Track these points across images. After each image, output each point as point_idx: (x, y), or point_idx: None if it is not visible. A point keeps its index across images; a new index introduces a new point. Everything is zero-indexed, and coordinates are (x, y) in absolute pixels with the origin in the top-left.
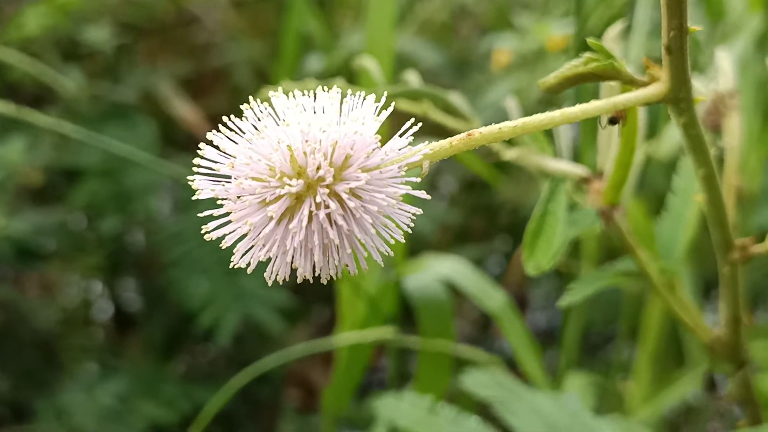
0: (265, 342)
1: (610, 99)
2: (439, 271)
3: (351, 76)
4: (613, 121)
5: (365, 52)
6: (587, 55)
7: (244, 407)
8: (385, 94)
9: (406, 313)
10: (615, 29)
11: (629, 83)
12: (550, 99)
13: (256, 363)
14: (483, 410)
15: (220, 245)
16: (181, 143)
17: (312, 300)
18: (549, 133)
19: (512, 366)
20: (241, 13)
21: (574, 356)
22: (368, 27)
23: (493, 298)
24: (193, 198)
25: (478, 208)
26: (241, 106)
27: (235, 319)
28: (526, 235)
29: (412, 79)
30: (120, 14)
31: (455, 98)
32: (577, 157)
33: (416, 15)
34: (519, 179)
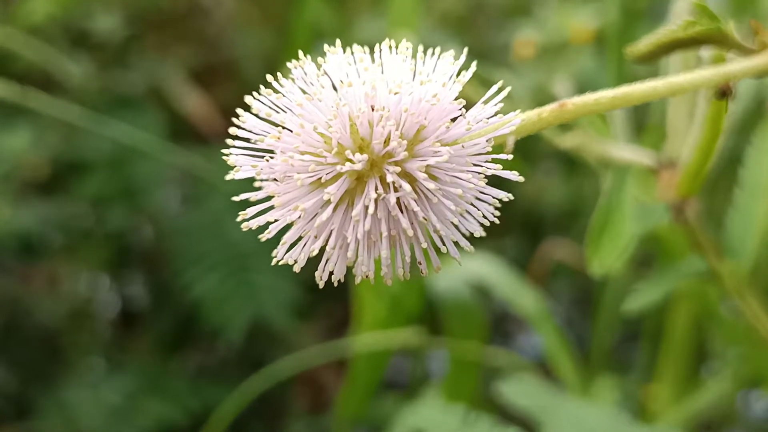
0: (274, 339)
1: (719, 68)
2: (469, 269)
3: None
4: (723, 94)
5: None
6: (687, 18)
7: (251, 404)
8: (465, 51)
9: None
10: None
11: (736, 50)
12: (577, 91)
13: (272, 367)
14: (502, 411)
15: (245, 225)
16: (190, 136)
17: (323, 295)
18: (603, 118)
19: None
20: (252, 5)
21: (604, 359)
22: (390, 15)
23: (526, 299)
24: (227, 177)
25: None
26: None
27: (245, 317)
28: (590, 231)
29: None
30: (130, 4)
31: (503, 77)
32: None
33: (434, 7)
34: (536, 171)
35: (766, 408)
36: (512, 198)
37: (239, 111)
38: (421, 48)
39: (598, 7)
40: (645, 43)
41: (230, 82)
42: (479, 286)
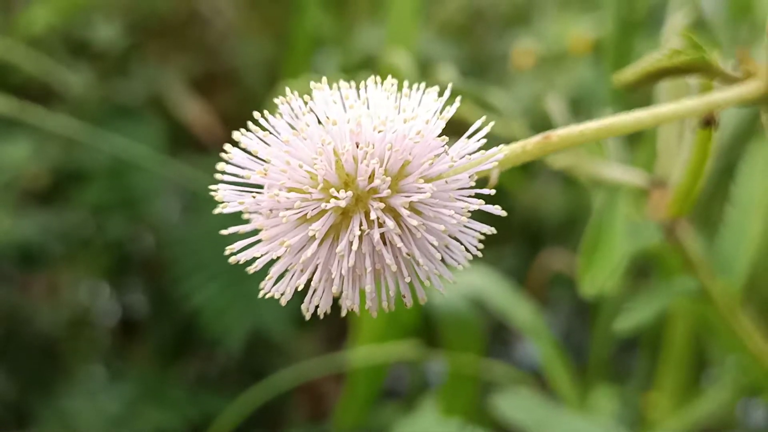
0: (274, 348)
1: (704, 98)
2: (466, 282)
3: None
4: (707, 123)
5: (386, 49)
6: (672, 47)
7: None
8: (450, 87)
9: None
10: (678, 19)
11: (720, 79)
12: (573, 103)
13: (271, 378)
14: (499, 424)
15: (233, 258)
16: (190, 145)
17: None
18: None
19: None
20: (252, 13)
21: (603, 368)
22: (389, 23)
23: (522, 312)
24: (216, 212)
25: (490, 213)
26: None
27: (244, 327)
28: (582, 251)
29: (447, 74)
30: (130, 14)
31: (495, 96)
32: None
33: (434, 16)
34: (535, 180)
35: (766, 416)
36: (495, 232)
37: (227, 147)
38: (406, 83)
39: (596, 17)
40: (631, 71)
41: (231, 91)
42: (476, 298)
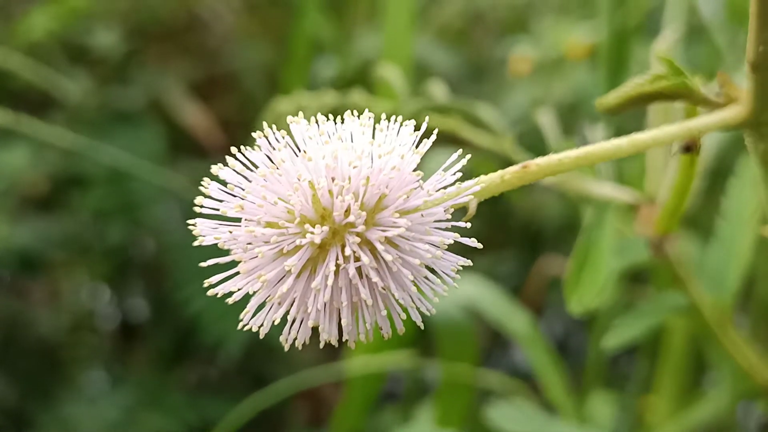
0: (273, 351)
1: (684, 124)
2: (461, 292)
3: (366, 83)
4: (687, 149)
5: (382, 59)
6: (654, 72)
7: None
8: (426, 122)
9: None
10: (667, 38)
11: (702, 104)
12: (571, 108)
13: (272, 386)
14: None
15: (211, 292)
16: (190, 149)
17: None
18: None
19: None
20: (252, 18)
21: (601, 372)
22: (386, 32)
23: (516, 320)
24: (194, 244)
25: (489, 217)
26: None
27: (244, 332)
28: (570, 269)
29: (438, 90)
30: (130, 19)
31: (485, 112)
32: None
33: (432, 21)
34: (534, 185)
35: (766, 421)
36: (471, 264)
37: (205, 180)
38: (384, 116)
39: (594, 23)
40: (613, 96)
41: (230, 95)
42: (471, 307)
